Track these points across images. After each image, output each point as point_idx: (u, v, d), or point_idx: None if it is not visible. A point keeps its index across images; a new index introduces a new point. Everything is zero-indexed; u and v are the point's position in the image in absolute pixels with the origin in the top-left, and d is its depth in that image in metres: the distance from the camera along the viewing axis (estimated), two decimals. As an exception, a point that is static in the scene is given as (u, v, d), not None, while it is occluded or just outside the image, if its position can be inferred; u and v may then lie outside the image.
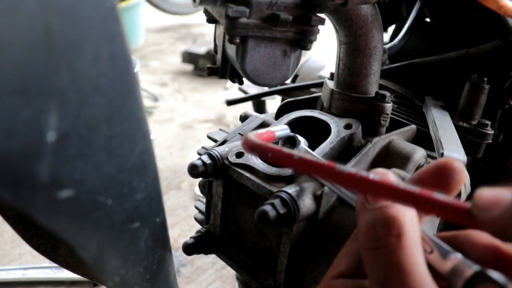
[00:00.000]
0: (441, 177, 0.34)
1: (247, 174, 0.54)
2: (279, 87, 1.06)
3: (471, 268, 0.31)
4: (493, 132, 0.69)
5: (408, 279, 0.29)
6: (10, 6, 0.24)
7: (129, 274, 0.41)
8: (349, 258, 0.35)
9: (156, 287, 0.46)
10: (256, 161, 0.55)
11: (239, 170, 0.55)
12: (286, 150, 0.36)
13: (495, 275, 0.29)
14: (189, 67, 3.24)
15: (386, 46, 0.77)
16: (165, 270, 0.48)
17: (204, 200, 0.67)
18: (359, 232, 0.33)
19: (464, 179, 0.34)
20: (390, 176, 0.33)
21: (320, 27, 0.52)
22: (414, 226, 0.32)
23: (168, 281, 0.50)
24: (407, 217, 0.32)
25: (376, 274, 0.31)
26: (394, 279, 0.29)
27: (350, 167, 0.32)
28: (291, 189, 0.49)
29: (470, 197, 0.64)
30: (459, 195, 0.60)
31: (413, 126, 0.66)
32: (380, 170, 0.35)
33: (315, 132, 0.60)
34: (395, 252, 0.30)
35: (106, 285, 0.39)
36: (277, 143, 0.56)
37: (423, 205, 0.29)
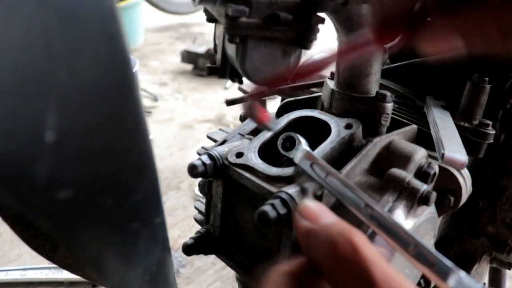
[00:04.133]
0: None
1: (247, 174, 0.54)
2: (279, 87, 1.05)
3: (474, 287, 0.31)
4: (494, 132, 0.69)
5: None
6: (9, 6, 0.24)
7: (128, 275, 0.40)
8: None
9: (156, 288, 0.46)
10: (256, 161, 0.55)
11: (239, 170, 0.55)
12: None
13: None
14: (189, 66, 3.24)
15: (387, 46, 0.77)
16: (165, 271, 0.48)
17: (203, 200, 0.67)
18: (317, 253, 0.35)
19: None
20: None
21: (320, 26, 0.51)
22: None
23: (168, 282, 0.50)
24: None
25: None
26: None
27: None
28: (291, 190, 0.49)
29: (470, 197, 0.64)
30: (460, 195, 0.60)
31: (414, 126, 0.65)
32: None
33: (315, 132, 0.59)
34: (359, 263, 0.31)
35: (105, 286, 0.39)
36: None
37: None
